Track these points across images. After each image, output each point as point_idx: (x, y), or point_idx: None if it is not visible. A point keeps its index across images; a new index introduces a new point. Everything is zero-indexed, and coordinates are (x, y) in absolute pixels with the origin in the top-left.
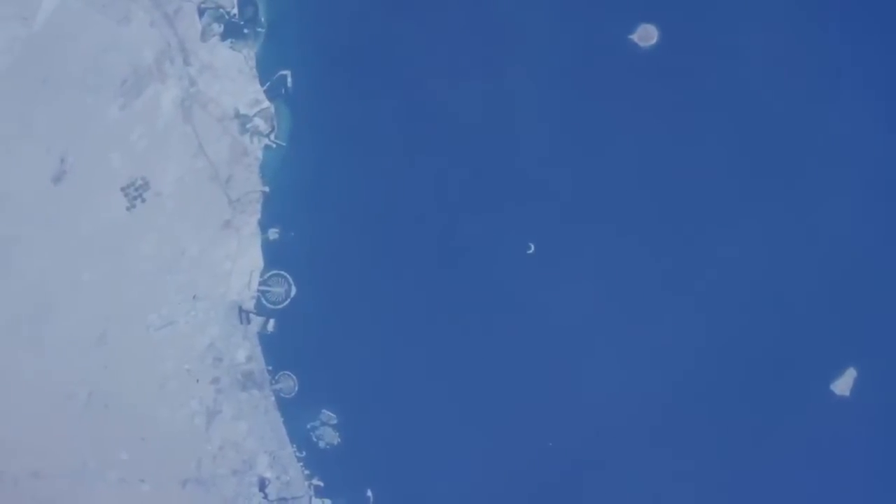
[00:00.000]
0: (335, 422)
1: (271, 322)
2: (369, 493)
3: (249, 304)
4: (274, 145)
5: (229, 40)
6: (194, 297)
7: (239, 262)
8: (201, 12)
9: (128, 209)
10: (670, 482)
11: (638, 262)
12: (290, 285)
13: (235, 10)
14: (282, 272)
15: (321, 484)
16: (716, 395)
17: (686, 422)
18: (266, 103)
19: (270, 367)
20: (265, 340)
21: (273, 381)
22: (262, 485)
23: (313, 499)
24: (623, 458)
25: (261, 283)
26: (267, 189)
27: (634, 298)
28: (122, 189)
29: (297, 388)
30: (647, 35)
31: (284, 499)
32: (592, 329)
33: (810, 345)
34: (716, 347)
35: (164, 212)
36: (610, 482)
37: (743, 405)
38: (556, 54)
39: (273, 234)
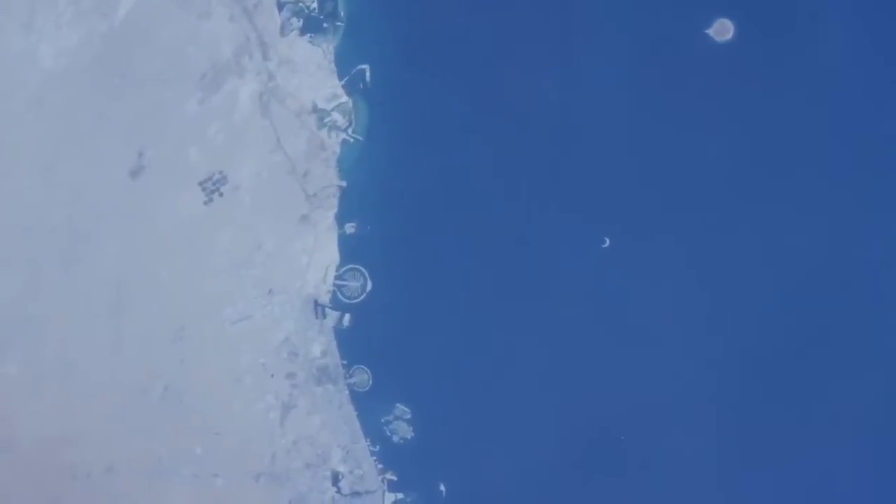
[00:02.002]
0: (409, 416)
1: (347, 317)
2: (442, 488)
3: (325, 299)
4: (352, 140)
5: (308, 35)
6: (270, 291)
7: (315, 257)
8: (281, 6)
9: (205, 203)
10: (745, 477)
11: (713, 255)
12: (365, 280)
13: (315, 5)
14: (358, 267)
15: (394, 478)
16: (793, 390)
17: (761, 417)
18: (344, 98)
19: (345, 362)
20: (340, 335)
21: (348, 376)
22: (336, 479)
23: (386, 493)
24: (695, 452)
25: (337, 278)
26: (344, 183)
27: (708, 291)
28: (200, 183)
29: (371, 383)
30: (723, 30)
31: (358, 493)
32: (667, 322)
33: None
34: (794, 342)
35: (241, 206)
36: (680, 476)
37: (820, 401)
38: (633, 48)
39: (350, 228)
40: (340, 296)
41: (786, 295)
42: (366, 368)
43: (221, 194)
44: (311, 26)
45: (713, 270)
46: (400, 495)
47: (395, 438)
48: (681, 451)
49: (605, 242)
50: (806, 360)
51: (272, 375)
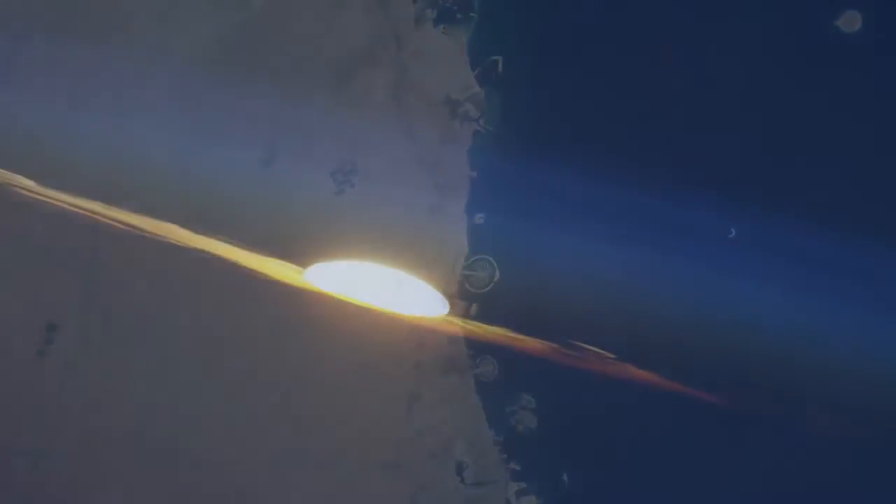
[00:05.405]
0: (533, 406)
1: (474, 306)
2: (565, 478)
3: (453, 289)
4: (483, 130)
5: (442, 25)
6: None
7: (444, 247)
8: None
9: (336, 194)
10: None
11: (840, 255)
12: (494, 270)
13: None
14: (486, 257)
15: (517, 468)
16: None
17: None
18: (476, 89)
19: (472, 352)
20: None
21: (474, 366)
22: (460, 469)
23: (509, 483)
24: (816, 449)
25: (465, 268)
26: (474, 174)
27: (835, 292)
28: (331, 174)
29: (496, 373)
30: (851, 21)
31: (481, 483)
32: (793, 318)
33: None
34: None
35: (371, 196)
36: (801, 469)
37: None
38: (760, 40)
39: (479, 218)
40: (468, 286)
41: None
42: (492, 359)
43: (353, 185)
44: (445, 17)
45: (837, 269)
46: (523, 485)
47: (520, 428)
48: (802, 449)
49: (731, 233)
50: None
51: (398, 365)
